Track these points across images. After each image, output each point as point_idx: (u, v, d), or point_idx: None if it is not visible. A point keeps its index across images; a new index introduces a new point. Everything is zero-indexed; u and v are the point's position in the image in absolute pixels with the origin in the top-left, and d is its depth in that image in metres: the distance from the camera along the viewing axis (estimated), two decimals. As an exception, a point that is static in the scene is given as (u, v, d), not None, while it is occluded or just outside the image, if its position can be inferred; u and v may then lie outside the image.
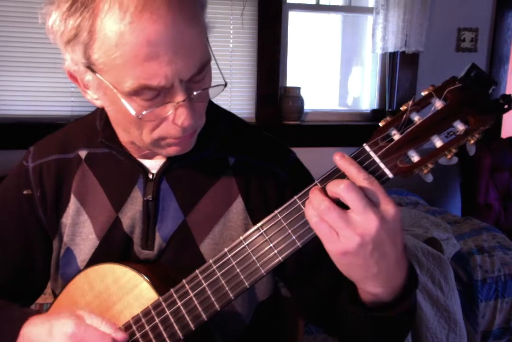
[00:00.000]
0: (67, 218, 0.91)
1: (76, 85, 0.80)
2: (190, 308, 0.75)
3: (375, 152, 0.64)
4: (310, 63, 3.18)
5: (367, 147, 0.65)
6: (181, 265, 0.85)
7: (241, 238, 0.72)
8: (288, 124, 2.80)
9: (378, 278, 0.65)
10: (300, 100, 2.80)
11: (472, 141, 0.62)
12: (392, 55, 2.91)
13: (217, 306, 0.74)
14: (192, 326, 0.75)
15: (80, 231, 0.91)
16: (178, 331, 0.76)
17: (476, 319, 1.96)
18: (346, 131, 2.86)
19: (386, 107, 2.97)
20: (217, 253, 0.74)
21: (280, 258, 0.69)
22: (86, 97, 0.80)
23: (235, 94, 2.78)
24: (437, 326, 1.84)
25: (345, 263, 0.64)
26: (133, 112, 0.71)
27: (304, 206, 0.67)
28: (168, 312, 0.77)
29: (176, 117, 0.73)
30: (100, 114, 0.91)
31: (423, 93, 0.63)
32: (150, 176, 0.88)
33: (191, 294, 0.75)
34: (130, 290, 0.82)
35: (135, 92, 0.70)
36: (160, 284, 0.81)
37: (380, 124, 0.65)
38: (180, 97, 0.71)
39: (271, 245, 0.70)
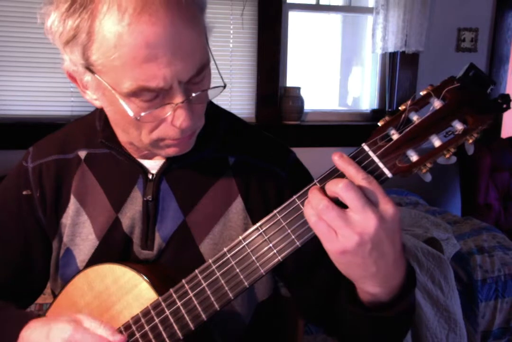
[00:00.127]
0: (67, 218, 0.91)
1: (76, 86, 0.80)
2: (189, 308, 0.75)
3: (374, 152, 0.64)
4: (310, 63, 3.18)
5: (366, 147, 0.65)
6: (180, 265, 0.85)
7: (241, 237, 0.72)
8: (288, 124, 2.80)
9: (376, 277, 0.65)
10: (300, 100, 2.80)
11: (470, 141, 0.62)
12: (392, 55, 2.91)
13: (216, 306, 0.74)
14: (191, 326, 0.75)
15: (80, 231, 0.91)
16: (178, 331, 0.76)
17: (476, 319, 1.96)
18: (346, 131, 2.86)
19: (386, 107, 2.97)
20: (217, 253, 0.74)
21: (279, 257, 0.69)
22: (85, 98, 0.80)
23: (235, 94, 2.78)
24: (437, 326, 1.84)
25: (344, 262, 0.64)
26: (131, 113, 0.71)
27: (303, 205, 0.67)
28: (167, 312, 0.77)
29: (174, 119, 0.73)
30: (99, 114, 0.91)
31: (421, 93, 0.63)
32: (150, 176, 0.88)
33: (191, 294, 0.75)
34: (129, 290, 0.82)
35: (134, 94, 0.70)
36: (160, 284, 0.81)
37: (379, 124, 0.65)
38: (178, 98, 0.71)
39: (271, 244, 0.70)
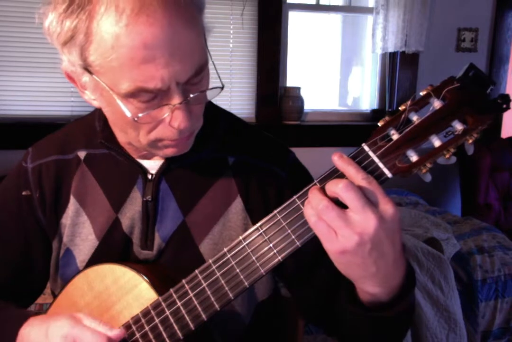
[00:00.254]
0: (67, 219, 0.91)
1: (75, 87, 0.80)
2: (189, 308, 0.75)
3: (374, 152, 0.64)
4: (310, 63, 3.18)
5: (366, 147, 0.65)
6: (180, 265, 0.85)
7: (241, 237, 0.72)
8: (288, 124, 2.80)
9: (376, 277, 0.65)
10: (300, 100, 2.80)
11: (470, 141, 0.62)
12: (392, 55, 2.91)
13: (216, 306, 0.74)
14: (191, 326, 0.75)
15: (80, 231, 0.91)
16: (178, 331, 0.76)
17: (476, 319, 1.96)
18: (346, 131, 2.86)
19: (386, 107, 2.97)
20: (217, 253, 0.74)
21: (279, 257, 0.69)
22: (83, 98, 0.80)
23: (235, 94, 2.78)
24: (437, 326, 1.84)
25: (344, 262, 0.64)
26: (129, 114, 0.71)
27: (303, 205, 0.67)
28: (167, 312, 0.77)
29: (172, 120, 0.73)
30: (99, 114, 0.91)
31: (421, 93, 0.63)
32: (149, 176, 0.88)
33: (191, 294, 0.75)
34: (129, 290, 0.82)
35: (132, 95, 0.70)
36: (160, 284, 0.81)
37: (379, 124, 0.65)
38: (176, 99, 0.71)
39: (271, 244, 0.70)
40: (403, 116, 0.63)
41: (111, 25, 0.65)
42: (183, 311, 0.76)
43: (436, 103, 0.62)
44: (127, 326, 0.80)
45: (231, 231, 0.87)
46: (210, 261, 0.74)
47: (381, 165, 0.64)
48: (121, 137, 0.87)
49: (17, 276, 0.96)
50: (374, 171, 0.65)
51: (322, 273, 0.85)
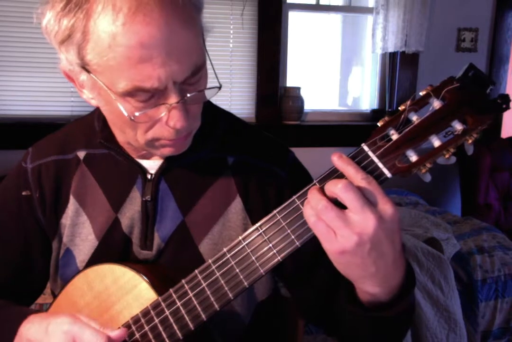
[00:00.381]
0: (66, 219, 0.91)
1: (74, 86, 0.80)
2: (189, 308, 0.75)
3: (374, 152, 0.64)
4: (310, 63, 3.18)
5: (365, 147, 0.65)
6: (180, 265, 0.85)
7: (240, 237, 0.72)
8: (288, 124, 2.80)
9: (376, 277, 0.65)
10: (300, 100, 2.80)
11: (470, 141, 0.62)
12: (392, 55, 2.91)
13: (216, 306, 0.74)
14: (191, 326, 0.75)
15: (80, 231, 0.91)
16: (178, 331, 0.76)
17: (476, 319, 1.96)
18: (346, 131, 2.86)
19: (386, 107, 2.97)
20: (216, 253, 0.74)
21: (279, 257, 0.69)
22: (82, 97, 0.80)
23: (235, 94, 2.78)
24: (437, 326, 1.84)
25: (343, 262, 0.64)
26: (125, 113, 0.71)
27: (302, 205, 0.67)
28: (167, 312, 0.77)
29: (169, 119, 0.73)
30: (98, 115, 0.91)
31: (421, 93, 0.63)
32: (149, 176, 0.88)
33: (191, 294, 0.75)
34: (129, 290, 0.82)
35: (129, 94, 0.70)
36: (160, 284, 0.81)
37: (379, 124, 0.65)
38: (173, 99, 0.71)
39: (270, 244, 0.70)
40: (402, 116, 0.63)
41: (108, 24, 0.66)
42: (183, 311, 0.76)
43: (436, 103, 0.62)
44: (127, 326, 0.80)
45: (230, 231, 0.87)
46: (210, 261, 0.74)
47: (380, 165, 0.64)
48: (120, 137, 0.87)
49: (17, 276, 0.96)
50: (374, 171, 0.65)
51: (321, 273, 0.85)
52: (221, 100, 2.72)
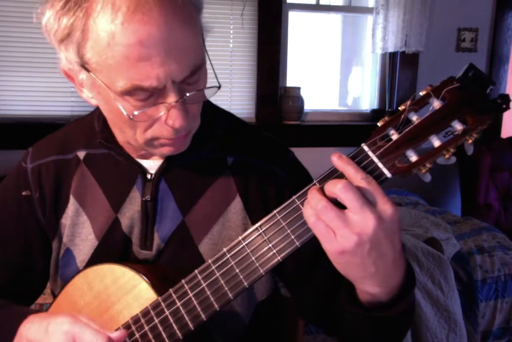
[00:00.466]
0: (66, 219, 0.91)
1: (73, 85, 0.80)
2: (189, 308, 0.75)
3: (373, 152, 0.64)
4: (310, 63, 3.18)
5: (365, 147, 0.65)
6: (180, 265, 0.85)
7: (240, 238, 0.72)
8: (288, 124, 2.80)
9: (375, 277, 0.65)
10: (300, 100, 2.80)
11: (470, 141, 0.62)
12: (392, 55, 2.91)
13: (216, 306, 0.74)
14: (191, 326, 0.75)
15: (80, 231, 0.91)
16: (177, 331, 0.76)
17: (476, 319, 1.96)
18: (346, 131, 2.86)
19: (386, 107, 2.97)
20: (216, 253, 0.74)
21: (279, 257, 0.69)
22: (81, 96, 0.80)
23: (235, 94, 2.78)
24: (437, 326, 1.84)
25: (343, 262, 0.64)
26: (124, 112, 0.72)
27: (302, 205, 0.67)
28: (167, 312, 0.77)
29: (168, 118, 0.73)
30: (98, 115, 0.91)
31: (421, 93, 0.63)
32: (149, 176, 0.88)
33: (190, 294, 0.75)
34: (129, 290, 0.82)
35: (128, 93, 0.70)
36: (159, 284, 0.81)
37: (379, 124, 0.65)
38: (172, 98, 0.71)
39: (270, 245, 0.70)
40: (402, 116, 0.63)
41: (107, 23, 0.66)
42: (183, 311, 0.76)
43: (436, 103, 0.62)
44: (127, 326, 0.80)
45: (230, 231, 0.87)
46: (210, 261, 0.74)
47: (380, 165, 0.64)
48: (120, 137, 0.87)
49: (17, 276, 0.95)
50: (374, 171, 0.65)
51: (321, 273, 0.85)
52: (221, 100, 2.72)
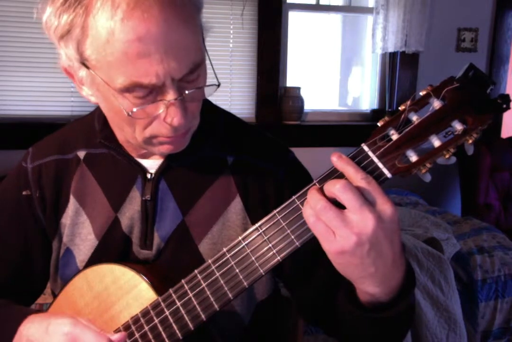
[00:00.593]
0: (67, 219, 0.91)
1: (73, 82, 0.80)
2: (189, 308, 0.75)
3: (374, 152, 0.64)
4: (310, 63, 3.18)
5: (365, 147, 0.65)
6: (180, 265, 0.85)
7: (240, 238, 0.72)
8: (288, 124, 2.80)
9: (375, 277, 0.65)
10: (300, 100, 2.79)
11: (470, 141, 0.62)
12: (392, 55, 2.91)
13: (216, 306, 0.74)
14: (191, 326, 0.75)
15: (80, 231, 0.91)
16: (177, 331, 0.76)
17: (476, 319, 1.96)
18: (346, 131, 2.86)
19: (386, 107, 2.97)
20: (216, 253, 0.74)
21: (278, 257, 0.69)
22: (81, 94, 0.80)
23: (235, 94, 2.78)
24: (437, 326, 1.84)
25: (342, 262, 0.64)
26: (123, 109, 0.72)
27: (302, 205, 0.67)
28: (167, 312, 0.77)
29: (167, 116, 0.73)
30: (98, 114, 0.92)
31: (421, 93, 0.63)
32: (149, 176, 0.89)
33: (190, 294, 0.75)
34: (129, 290, 0.82)
35: (127, 89, 0.70)
36: (159, 284, 0.81)
37: (379, 124, 0.65)
38: (171, 95, 0.71)
39: (270, 245, 0.70)
40: (402, 116, 0.63)
41: (107, 19, 0.66)
42: (183, 311, 0.76)
43: (436, 103, 0.62)
44: (127, 326, 0.80)
45: (230, 231, 0.87)
46: (210, 261, 0.74)
47: (380, 165, 0.64)
48: (119, 135, 0.87)
49: (17, 276, 0.96)
50: (374, 171, 0.65)
51: (321, 273, 0.85)
52: (221, 100, 2.72)
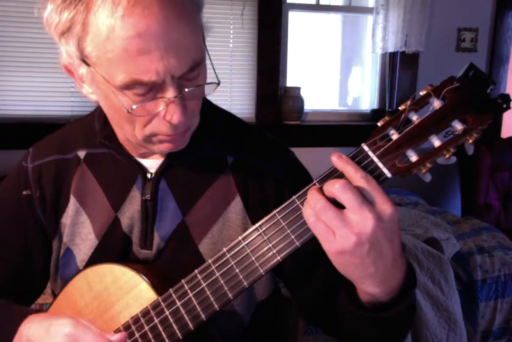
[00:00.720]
0: (67, 218, 0.91)
1: (73, 80, 0.80)
2: (189, 308, 0.75)
3: (374, 152, 0.64)
4: (310, 63, 3.18)
5: (365, 147, 0.65)
6: (180, 264, 0.85)
7: (240, 237, 0.72)
8: (288, 124, 2.80)
9: (375, 277, 0.65)
10: (300, 100, 2.79)
11: (470, 141, 0.62)
12: (392, 55, 2.91)
13: (216, 306, 0.74)
14: (191, 326, 0.75)
15: (80, 231, 0.91)
16: (177, 331, 0.76)
17: (476, 319, 1.96)
18: (346, 131, 2.86)
19: (386, 107, 2.97)
20: (216, 253, 0.74)
21: (278, 257, 0.69)
22: (81, 91, 0.80)
23: (235, 94, 2.78)
24: (437, 326, 1.84)
25: (342, 262, 0.64)
26: (123, 106, 0.72)
27: (302, 205, 0.67)
28: (167, 312, 0.77)
29: (167, 114, 0.73)
30: (98, 114, 0.92)
31: (421, 93, 0.63)
32: (149, 176, 0.89)
33: (190, 294, 0.75)
34: (129, 290, 0.82)
35: (127, 87, 0.70)
36: (159, 284, 0.81)
37: (379, 124, 0.65)
38: (171, 93, 0.71)
39: (270, 245, 0.70)
40: (403, 116, 0.63)
41: (107, 16, 0.66)
42: (183, 311, 0.76)
43: (436, 103, 0.62)
44: (127, 326, 0.80)
45: (230, 231, 0.87)
46: (210, 261, 0.74)
47: (380, 165, 0.64)
48: (119, 134, 0.87)
49: (17, 276, 0.96)
50: (374, 170, 0.65)
51: (321, 273, 0.85)
52: (221, 100, 2.72)
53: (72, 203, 0.91)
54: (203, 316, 0.75)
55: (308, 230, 0.67)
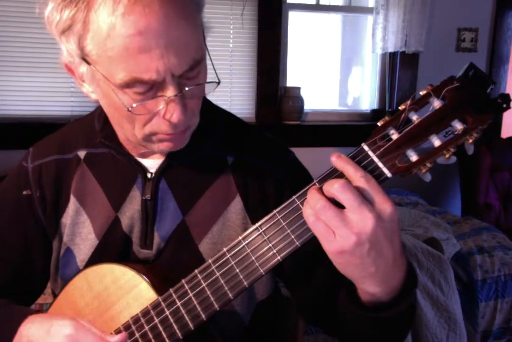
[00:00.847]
0: (67, 218, 0.91)
1: (74, 80, 0.80)
2: (189, 308, 0.75)
3: (374, 151, 0.64)
4: (310, 63, 3.18)
5: (365, 147, 0.65)
6: (180, 264, 0.85)
7: (240, 237, 0.72)
8: (288, 124, 2.80)
9: (375, 277, 0.65)
10: (300, 100, 2.80)
11: (470, 141, 0.62)
12: (392, 55, 2.91)
13: (216, 305, 0.74)
14: (191, 325, 0.75)
15: (80, 231, 0.91)
16: (177, 331, 0.76)
17: (476, 319, 1.96)
18: (346, 131, 2.86)
19: (386, 107, 2.97)
20: (216, 253, 0.74)
21: (279, 257, 0.69)
22: (82, 90, 0.80)
23: (235, 94, 2.78)
24: (437, 326, 1.84)
25: (342, 262, 0.64)
26: (123, 104, 0.72)
27: (302, 205, 0.67)
28: (167, 312, 0.77)
29: (167, 112, 0.73)
30: (98, 114, 0.92)
31: (421, 93, 0.63)
32: (149, 175, 0.89)
33: (190, 294, 0.75)
34: (129, 290, 0.82)
35: (127, 85, 0.70)
36: (159, 284, 0.81)
37: (379, 124, 0.65)
38: (171, 92, 0.71)
39: (270, 244, 0.70)
40: (403, 116, 0.63)
41: (108, 14, 0.66)
42: (183, 311, 0.76)
43: (436, 103, 0.62)
44: (127, 326, 0.80)
45: (230, 231, 0.87)
46: (210, 260, 0.74)
47: (380, 165, 0.64)
48: (120, 133, 0.87)
49: (17, 276, 0.96)
50: (374, 170, 0.65)
51: (321, 273, 0.85)
52: (221, 100, 2.72)
53: (72, 203, 0.91)
54: (203, 316, 0.75)
55: (308, 230, 0.67)
